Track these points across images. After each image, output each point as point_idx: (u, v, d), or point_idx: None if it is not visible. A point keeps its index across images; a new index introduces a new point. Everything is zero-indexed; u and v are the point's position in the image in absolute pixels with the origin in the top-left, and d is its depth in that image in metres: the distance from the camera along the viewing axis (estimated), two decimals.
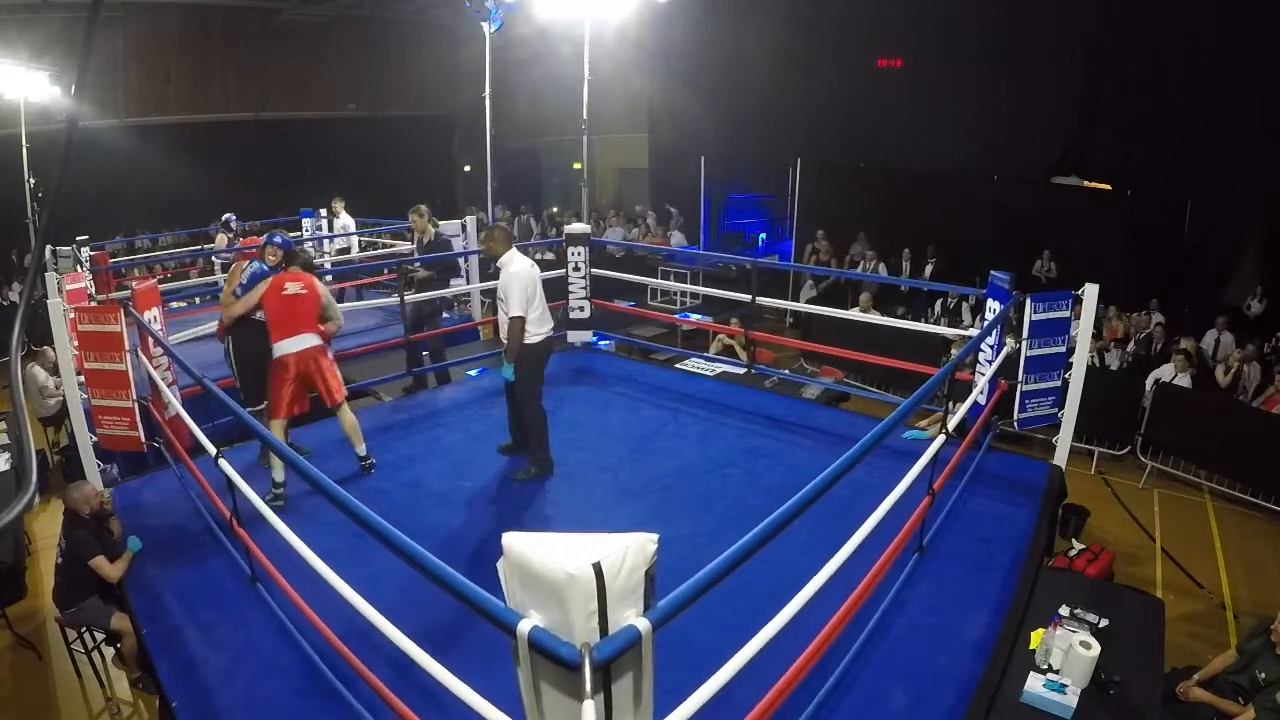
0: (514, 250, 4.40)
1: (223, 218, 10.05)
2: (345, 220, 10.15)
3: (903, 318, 8.19)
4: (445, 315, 9.03)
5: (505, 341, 4.34)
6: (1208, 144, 9.61)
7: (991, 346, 4.73)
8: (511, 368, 4.34)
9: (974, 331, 6.04)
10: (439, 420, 5.42)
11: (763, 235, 14.40)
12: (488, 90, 9.15)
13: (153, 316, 4.74)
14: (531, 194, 17.92)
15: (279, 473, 4.18)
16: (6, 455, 5.57)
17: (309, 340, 4.37)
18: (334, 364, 4.55)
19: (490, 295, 9.15)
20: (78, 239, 8.16)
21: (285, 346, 4.31)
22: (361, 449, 4.63)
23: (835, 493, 2.27)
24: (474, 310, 9.01)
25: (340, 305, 7.35)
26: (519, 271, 4.29)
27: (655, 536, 1.58)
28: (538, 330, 4.38)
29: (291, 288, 4.35)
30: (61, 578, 3.87)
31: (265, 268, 4.69)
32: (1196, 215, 9.87)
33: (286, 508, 4.05)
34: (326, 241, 10.95)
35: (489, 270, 9.38)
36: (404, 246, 10.17)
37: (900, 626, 3.19)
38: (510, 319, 4.24)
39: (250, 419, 3.09)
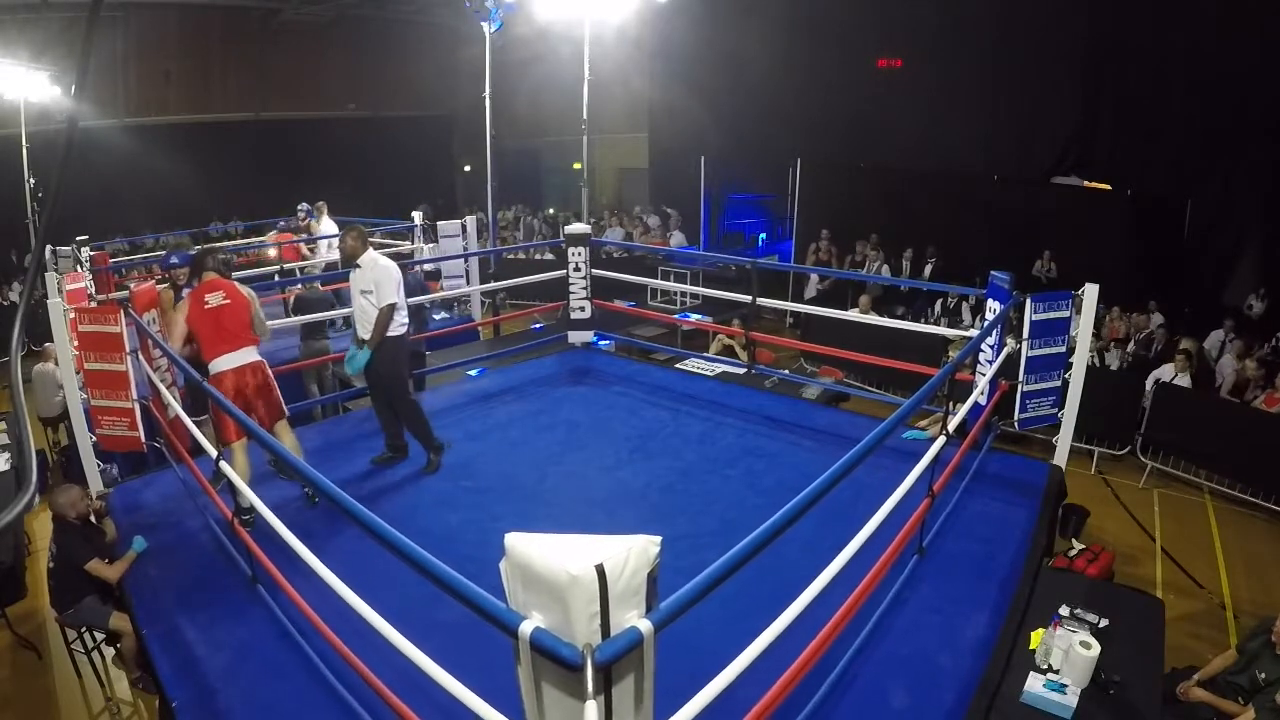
0: (371, 249, 4.53)
1: (299, 207, 9.90)
2: (325, 226, 9.62)
3: (902, 318, 8.21)
4: (445, 315, 9.06)
5: (356, 333, 4.51)
6: (1208, 144, 9.60)
7: (991, 347, 4.73)
8: (369, 354, 4.39)
9: (974, 332, 6.04)
10: (438, 421, 5.41)
11: (763, 235, 14.40)
12: (488, 90, 9.14)
13: (151, 319, 4.73)
14: (531, 194, 17.93)
15: (246, 495, 3.39)
16: (6, 455, 5.57)
17: (245, 356, 4.04)
18: (269, 383, 4.16)
19: (490, 295, 9.21)
20: (78, 239, 8.16)
21: (220, 364, 3.97)
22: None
23: (836, 493, 2.27)
24: (474, 310, 9.01)
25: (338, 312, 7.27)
26: (390, 265, 4.47)
27: (658, 539, 1.58)
28: (404, 321, 4.53)
29: (212, 299, 3.98)
30: (54, 582, 3.85)
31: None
32: (1196, 215, 9.85)
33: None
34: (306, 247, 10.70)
35: (488, 271, 9.46)
36: (405, 246, 10.07)
37: (900, 626, 3.19)
38: (383, 308, 4.37)
39: (253, 425, 3.07)
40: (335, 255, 9.54)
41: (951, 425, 3.67)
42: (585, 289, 6.79)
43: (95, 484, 4.46)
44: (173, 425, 4.51)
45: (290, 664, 3.02)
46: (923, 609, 3.31)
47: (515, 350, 6.94)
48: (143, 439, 4.52)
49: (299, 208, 9.89)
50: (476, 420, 5.50)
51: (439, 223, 9.98)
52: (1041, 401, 4.76)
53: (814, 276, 11.49)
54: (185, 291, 4.43)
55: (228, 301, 4.02)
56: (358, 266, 4.43)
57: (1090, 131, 10.79)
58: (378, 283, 4.36)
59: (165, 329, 4.60)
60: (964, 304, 9.88)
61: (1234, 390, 7.55)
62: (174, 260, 4.69)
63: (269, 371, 4.18)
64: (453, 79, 16.68)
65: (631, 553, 1.52)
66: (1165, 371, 7.45)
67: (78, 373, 4.47)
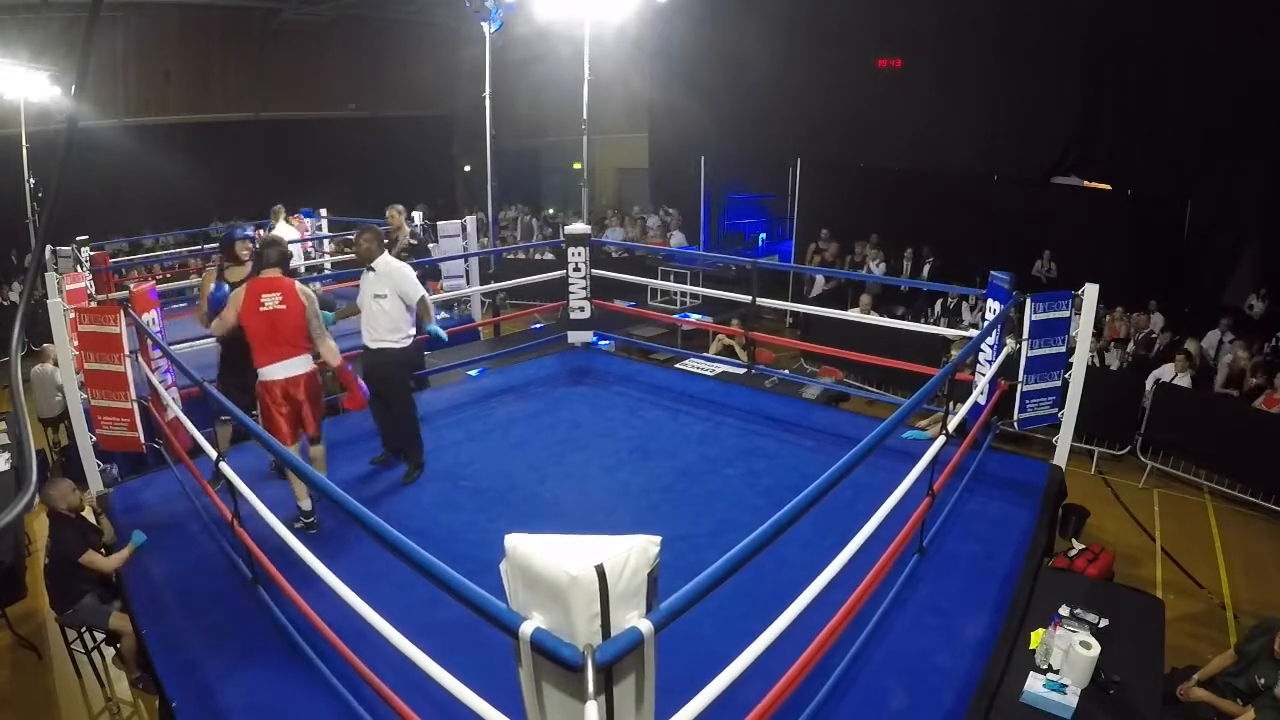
0: (387, 253, 4.48)
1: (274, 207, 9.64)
2: (282, 232, 8.94)
3: (902, 318, 8.21)
4: (445, 315, 9.06)
5: (364, 351, 4.52)
6: (1208, 144, 9.61)
7: (991, 347, 4.73)
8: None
9: (974, 332, 6.04)
10: (439, 421, 5.42)
11: (763, 235, 14.41)
12: (488, 90, 9.14)
13: (150, 319, 4.72)
14: (531, 194, 17.92)
15: (305, 500, 3.86)
16: (6, 455, 5.57)
17: (297, 366, 3.82)
18: (320, 394, 4.03)
19: (490, 296, 9.21)
20: (78, 239, 8.15)
21: (271, 373, 3.77)
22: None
23: (836, 493, 2.27)
24: (474, 311, 9.00)
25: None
26: (403, 265, 4.48)
27: (658, 539, 1.58)
28: (410, 333, 4.48)
29: (269, 301, 3.70)
30: (51, 580, 3.84)
31: (226, 288, 4.14)
32: (1196, 215, 9.86)
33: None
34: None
35: (488, 271, 9.46)
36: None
37: (900, 626, 3.19)
38: (419, 300, 4.41)
39: (259, 429, 3.06)
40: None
41: (951, 425, 3.67)
42: (585, 289, 6.79)
43: (95, 484, 4.45)
44: (172, 426, 4.51)
45: (290, 664, 3.02)
46: (923, 609, 3.31)
47: (515, 350, 6.94)
48: (142, 439, 4.52)
49: (273, 210, 9.72)
50: (477, 420, 5.50)
51: (439, 223, 9.98)
52: (1041, 401, 4.76)
53: (819, 277, 11.51)
54: (226, 290, 4.23)
55: (283, 307, 3.74)
56: (372, 270, 4.35)
57: (1090, 131, 10.79)
58: (399, 284, 4.33)
59: (203, 315, 4.38)
60: (964, 304, 9.88)
61: (1228, 383, 7.55)
62: (247, 233, 4.43)
63: (319, 381, 4.01)
64: (453, 79, 16.67)
65: (632, 553, 1.52)
66: (1165, 371, 7.45)
67: (77, 373, 4.47)
